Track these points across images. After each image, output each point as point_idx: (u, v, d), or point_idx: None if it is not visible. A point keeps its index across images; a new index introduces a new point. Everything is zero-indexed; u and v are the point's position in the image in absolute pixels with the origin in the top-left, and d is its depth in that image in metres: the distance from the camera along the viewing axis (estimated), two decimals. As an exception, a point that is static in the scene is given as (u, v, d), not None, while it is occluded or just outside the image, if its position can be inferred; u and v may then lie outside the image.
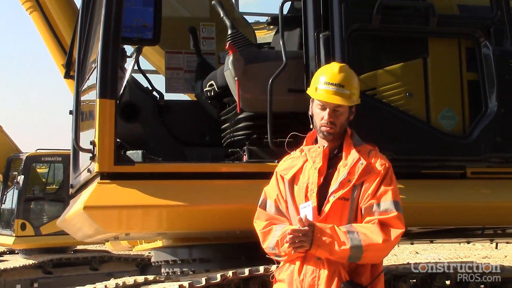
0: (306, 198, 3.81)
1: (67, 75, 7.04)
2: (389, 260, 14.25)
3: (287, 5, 6.28)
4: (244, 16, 8.06)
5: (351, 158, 3.83)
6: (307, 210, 3.75)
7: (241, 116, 5.86)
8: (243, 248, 5.83)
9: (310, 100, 3.98)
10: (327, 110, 3.85)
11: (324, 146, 3.90)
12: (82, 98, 6.24)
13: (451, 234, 6.70)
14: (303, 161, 3.94)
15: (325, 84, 3.86)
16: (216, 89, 6.21)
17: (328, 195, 3.78)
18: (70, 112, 6.34)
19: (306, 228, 3.65)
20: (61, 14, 8.78)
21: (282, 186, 3.98)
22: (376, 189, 3.77)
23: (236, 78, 5.59)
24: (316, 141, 3.98)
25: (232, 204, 5.33)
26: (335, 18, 5.48)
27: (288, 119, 5.63)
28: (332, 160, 3.88)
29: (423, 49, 5.76)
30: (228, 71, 5.68)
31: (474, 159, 5.72)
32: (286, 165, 4.02)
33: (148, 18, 6.37)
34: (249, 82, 5.63)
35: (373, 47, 5.84)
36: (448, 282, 5.90)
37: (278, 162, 5.32)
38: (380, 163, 3.83)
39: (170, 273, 6.36)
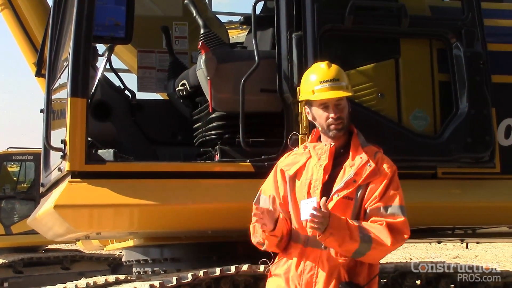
0: (309, 195, 3.80)
1: (38, 73, 7.00)
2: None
3: (260, 5, 6.27)
4: (217, 15, 8.07)
5: (358, 159, 3.83)
6: (309, 206, 3.69)
7: (213, 115, 5.85)
8: (214, 248, 5.84)
9: (306, 106, 3.97)
10: (330, 107, 3.85)
11: (331, 144, 3.89)
12: (53, 97, 6.20)
13: (422, 234, 6.73)
14: (306, 158, 3.93)
15: (320, 83, 3.87)
16: (189, 88, 6.21)
17: (332, 193, 3.78)
18: (41, 111, 6.30)
19: (326, 210, 3.60)
20: (32, 11, 8.70)
21: (281, 181, 3.96)
22: (383, 191, 3.77)
23: (208, 78, 5.58)
24: (319, 139, 3.98)
25: (204, 203, 5.32)
26: (307, 18, 5.48)
27: (260, 119, 5.64)
28: (337, 159, 3.88)
29: (395, 50, 5.77)
30: (201, 71, 5.67)
31: (445, 160, 5.75)
32: (289, 161, 4.00)
33: (120, 16, 6.35)
34: (222, 81, 5.62)
35: (345, 47, 5.83)
36: (418, 282, 5.92)
37: (249, 162, 5.41)
38: (387, 166, 3.84)
39: (141, 273, 6.34)
